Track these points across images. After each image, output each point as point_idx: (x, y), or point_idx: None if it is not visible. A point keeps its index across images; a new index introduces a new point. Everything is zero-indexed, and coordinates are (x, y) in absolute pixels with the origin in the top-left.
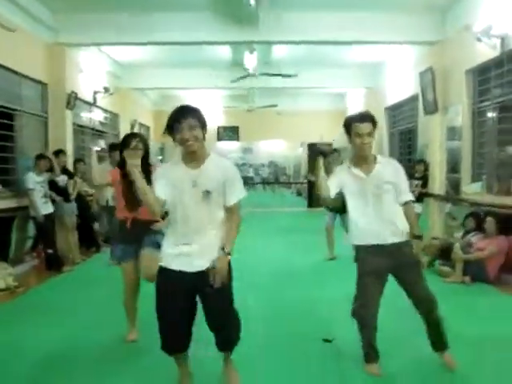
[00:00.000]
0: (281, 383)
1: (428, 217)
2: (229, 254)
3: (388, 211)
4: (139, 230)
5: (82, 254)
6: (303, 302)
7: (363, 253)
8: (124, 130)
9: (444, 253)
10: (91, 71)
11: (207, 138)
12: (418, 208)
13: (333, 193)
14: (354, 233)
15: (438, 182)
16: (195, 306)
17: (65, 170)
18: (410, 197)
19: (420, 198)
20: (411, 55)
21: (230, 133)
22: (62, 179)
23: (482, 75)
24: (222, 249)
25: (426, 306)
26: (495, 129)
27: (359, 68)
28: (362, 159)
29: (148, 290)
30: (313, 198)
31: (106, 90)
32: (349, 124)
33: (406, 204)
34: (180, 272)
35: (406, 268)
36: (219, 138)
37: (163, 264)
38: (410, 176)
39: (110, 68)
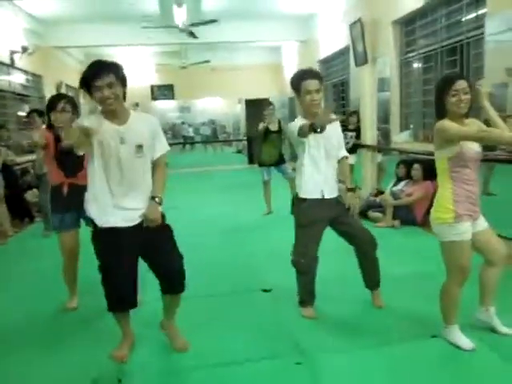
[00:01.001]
0: (224, 333)
1: (361, 167)
2: (160, 203)
3: (333, 166)
4: (78, 197)
5: (15, 227)
6: (243, 257)
7: (305, 205)
8: (49, 92)
9: (371, 207)
10: (5, 29)
11: (141, 98)
12: (352, 159)
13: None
14: (303, 186)
15: (369, 133)
16: (137, 260)
17: None
18: (346, 153)
19: (354, 150)
20: (342, 6)
21: (164, 91)
22: None
23: (408, 26)
24: (153, 198)
25: (368, 245)
26: (420, 79)
27: (292, 20)
28: (311, 116)
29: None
30: (253, 154)
31: (25, 49)
32: (297, 82)
33: (342, 159)
34: (121, 228)
35: (343, 215)
36: (154, 98)
37: (102, 224)
38: (344, 128)
39: (27, 25)
